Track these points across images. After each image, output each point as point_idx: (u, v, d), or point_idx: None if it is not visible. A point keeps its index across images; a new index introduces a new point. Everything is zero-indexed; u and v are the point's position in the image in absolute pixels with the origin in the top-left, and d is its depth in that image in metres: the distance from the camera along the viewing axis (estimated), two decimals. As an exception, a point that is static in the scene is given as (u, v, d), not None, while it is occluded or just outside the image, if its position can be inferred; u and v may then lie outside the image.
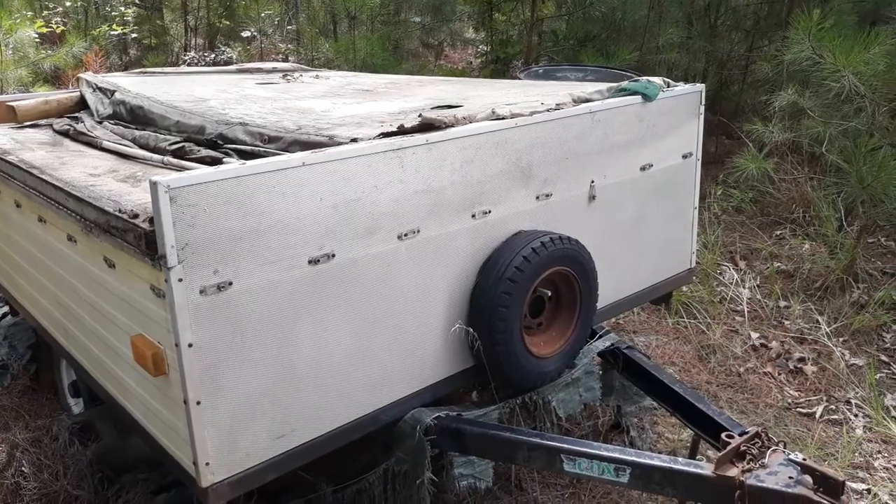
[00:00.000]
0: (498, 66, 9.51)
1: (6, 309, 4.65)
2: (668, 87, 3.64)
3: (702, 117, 3.80)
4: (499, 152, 2.84)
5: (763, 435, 2.47)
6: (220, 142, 3.19)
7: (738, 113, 8.69)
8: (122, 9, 10.55)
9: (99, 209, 2.42)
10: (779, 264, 5.95)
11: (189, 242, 2.09)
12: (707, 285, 5.51)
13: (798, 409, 4.31)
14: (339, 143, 2.60)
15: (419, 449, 2.76)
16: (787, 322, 5.19)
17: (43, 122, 4.55)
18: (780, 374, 4.64)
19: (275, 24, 11.15)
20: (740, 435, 2.50)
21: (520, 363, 2.91)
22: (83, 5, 10.41)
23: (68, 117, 4.53)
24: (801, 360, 4.76)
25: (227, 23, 11.78)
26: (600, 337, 3.45)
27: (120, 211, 2.31)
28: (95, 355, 2.92)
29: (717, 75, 9.09)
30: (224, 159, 3.01)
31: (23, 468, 3.19)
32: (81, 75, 4.80)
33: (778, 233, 6.56)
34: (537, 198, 3.05)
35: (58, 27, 10.45)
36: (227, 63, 9.58)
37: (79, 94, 4.65)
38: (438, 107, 3.53)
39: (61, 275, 3.05)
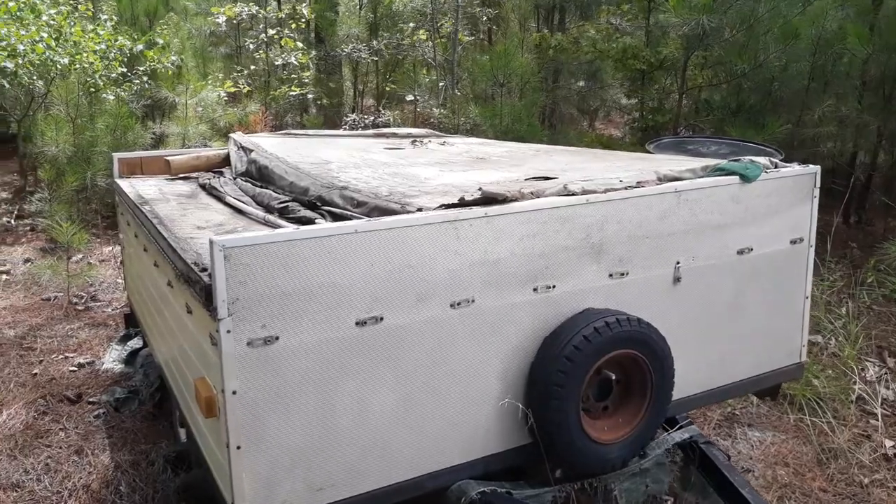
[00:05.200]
0: (648, 134, 9.35)
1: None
2: (776, 167, 3.45)
3: (815, 200, 3.55)
4: (565, 228, 2.83)
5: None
6: (318, 203, 3.43)
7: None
8: (300, 72, 11.55)
9: (183, 260, 2.69)
10: (935, 366, 5.30)
11: (239, 297, 2.27)
12: (842, 382, 5.01)
13: (930, 536, 3.78)
14: (406, 212, 2.72)
15: (462, 521, 2.74)
16: (934, 433, 4.59)
17: (194, 174, 5.10)
18: (915, 491, 4.10)
19: (437, 89, 11.70)
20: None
21: (576, 446, 2.82)
22: (266, 68, 11.53)
23: (213, 172, 5.05)
24: (946, 478, 4.18)
25: (394, 87, 12.54)
26: (679, 427, 3.26)
27: (195, 264, 2.56)
28: (183, 392, 3.19)
29: (891, 152, 8.38)
30: (316, 220, 3.23)
31: (120, 487, 3.52)
32: (231, 135, 5.34)
33: (942, 330, 5.85)
34: (610, 275, 2.98)
35: (244, 87, 11.68)
36: (385, 125, 10.17)
37: (227, 151, 5.17)
38: (534, 178, 3.58)
39: (165, 315, 3.38)
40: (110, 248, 7.92)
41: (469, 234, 2.63)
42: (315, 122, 9.93)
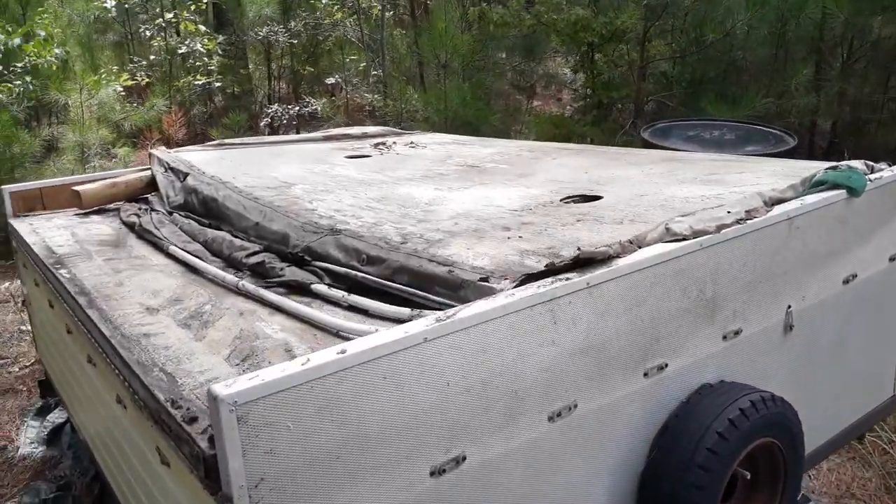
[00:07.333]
0: (601, 112, 8.73)
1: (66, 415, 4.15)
2: (871, 171, 2.82)
3: (913, 207, 2.95)
4: (678, 285, 2.08)
5: None
6: (307, 257, 2.56)
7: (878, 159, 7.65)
8: (206, 59, 10.31)
9: (146, 388, 1.78)
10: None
11: (266, 476, 1.41)
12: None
13: None
14: (461, 281, 1.92)
15: None
16: None
17: (112, 206, 4.07)
18: None
19: (360, 71, 10.71)
20: None
21: (708, 573, 2.11)
22: (167, 57, 10.23)
23: (139, 200, 4.04)
24: None
25: (311, 69, 11.44)
26: (798, 510, 2.61)
27: (172, 403, 1.66)
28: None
29: (853, 117, 8.07)
30: (313, 286, 2.37)
31: None
32: (153, 151, 4.33)
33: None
34: (724, 337, 2.27)
35: (143, 80, 10.33)
36: (311, 116, 9.16)
37: (150, 173, 4.16)
38: (569, 198, 2.82)
39: (113, 432, 2.45)
40: (7, 285, 6.64)
41: (568, 314, 1.84)
42: (237, 119, 8.78)
